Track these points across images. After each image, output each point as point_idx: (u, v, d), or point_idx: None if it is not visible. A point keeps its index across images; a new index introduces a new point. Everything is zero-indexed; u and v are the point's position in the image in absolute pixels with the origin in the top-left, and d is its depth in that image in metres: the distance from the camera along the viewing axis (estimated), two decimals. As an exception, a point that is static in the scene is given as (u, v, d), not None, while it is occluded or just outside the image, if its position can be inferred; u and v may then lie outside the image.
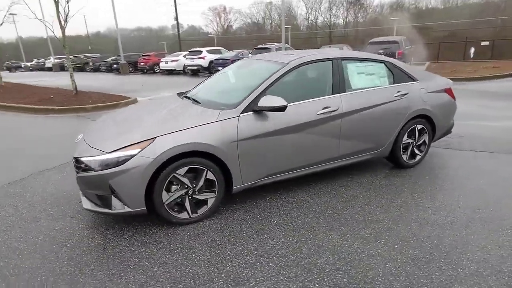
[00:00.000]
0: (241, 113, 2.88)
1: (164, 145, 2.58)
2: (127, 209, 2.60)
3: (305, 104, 3.14)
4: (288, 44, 24.62)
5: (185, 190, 2.75)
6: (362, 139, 3.50)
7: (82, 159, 2.64)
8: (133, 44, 64.58)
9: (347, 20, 58.08)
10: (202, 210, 2.88)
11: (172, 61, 19.91)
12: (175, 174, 2.66)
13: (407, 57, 14.21)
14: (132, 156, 2.53)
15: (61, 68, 29.02)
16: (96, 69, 25.92)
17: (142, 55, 23.03)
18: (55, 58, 30.24)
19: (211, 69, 17.57)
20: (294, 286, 2.08)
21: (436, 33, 32.44)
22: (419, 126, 3.85)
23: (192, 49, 19.75)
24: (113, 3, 20.88)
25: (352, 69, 3.49)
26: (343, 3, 55.49)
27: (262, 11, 62.94)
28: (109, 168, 2.52)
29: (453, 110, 4.19)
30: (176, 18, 36.10)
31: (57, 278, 2.20)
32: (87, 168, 2.60)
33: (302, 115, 3.10)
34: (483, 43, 18.72)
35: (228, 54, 18.46)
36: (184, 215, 2.81)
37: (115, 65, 23.44)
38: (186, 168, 2.69)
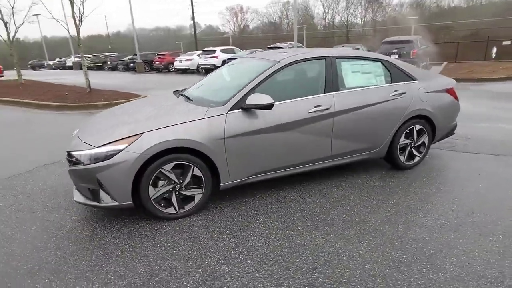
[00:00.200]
0: (229, 110, 2.90)
1: (150, 141, 2.63)
2: (114, 203, 2.67)
3: (296, 102, 3.12)
4: (301, 43, 24.46)
5: (171, 186, 2.80)
6: (356, 139, 3.45)
7: (73, 153, 2.72)
8: (152, 44, 65.88)
9: (365, 19, 57.21)
10: (189, 206, 2.92)
11: (186, 60, 20.17)
12: (161, 170, 2.70)
13: (423, 57, 13.83)
14: (119, 151, 2.59)
15: (81, 66, 29.85)
16: (114, 68, 26.57)
17: (157, 54, 23.44)
18: (75, 57, 31.18)
19: (223, 68, 17.65)
20: (268, 284, 2.09)
21: (457, 33, 31.41)
22: (418, 127, 3.76)
23: (206, 49, 19.94)
24: (131, 4, 21.36)
25: (346, 67, 3.45)
26: (362, 2, 54.67)
27: (279, 11, 62.77)
28: (97, 162, 2.59)
29: (455, 111, 4.07)
30: (193, 18, 36.57)
31: (42, 266, 2.28)
32: (77, 162, 2.69)
33: (292, 113, 3.08)
34: (504, 43, 17.97)
35: (241, 54, 18.53)
36: (171, 210, 2.85)
37: (131, 64, 23.97)
38: (172, 164, 2.73)
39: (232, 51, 19.84)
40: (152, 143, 2.62)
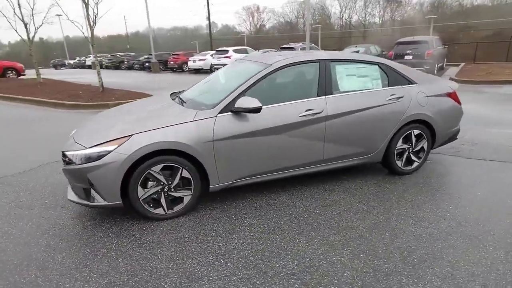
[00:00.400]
0: (218, 113, 2.92)
1: (139, 142, 2.69)
2: (104, 202, 2.74)
3: (287, 106, 3.12)
4: (313, 43, 24.25)
5: (160, 187, 2.84)
6: (349, 144, 3.40)
7: (66, 153, 2.81)
8: (169, 44, 66.87)
9: (383, 18, 56.09)
10: (178, 207, 2.96)
11: (199, 60, 20.37)
12: (150, 171, 2.76)
13: (438, 58, 13.46)
14: (109, 152, 2.66)
15: (99, 66, 30.68)
16: (130, 67, 27.15)
17: (172, 54, 23.78)
18: (94, 57, 32.05)
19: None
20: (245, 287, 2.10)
21: (478, 33, 30.31)
22: (416, 132, 3.67)
23: (219, 49, 20.09)
24: (147, 5, 21.75)
25: (341, 71, 3.41)
26: (380, 1, 53.62)
27: (296, 10, 62.39)
28: (88, 163, 2.67)
29: (457, 116, 3.95)
30: (208, 18, 36.83)
31: (30, 262, 2.38)
32: (70, 162, 2.78)
33: (283, 117, 3.08)
34: (527, 43, 17.22)
35: (253, 54, 18.57)
36: (159, 211, 2.90)
37: (147, 64, 24.42)
38: (161, 166, 2.78)
39: (245, 51, 19.90)
40: (140, 145, 2.68)
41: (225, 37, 58.75)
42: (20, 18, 12.12)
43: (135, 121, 2.95)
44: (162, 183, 2.83)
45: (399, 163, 3.71)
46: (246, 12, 67.45)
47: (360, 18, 55.66)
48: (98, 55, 31.96)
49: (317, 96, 3.25)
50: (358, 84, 3.47)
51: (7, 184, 3.78)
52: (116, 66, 28.94)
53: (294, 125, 3.11)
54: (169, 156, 2.79)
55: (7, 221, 2.97)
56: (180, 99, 3.49)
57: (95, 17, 9.82)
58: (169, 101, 3.44)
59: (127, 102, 8.75)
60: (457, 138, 4.13)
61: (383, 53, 16.41)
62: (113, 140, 2.71)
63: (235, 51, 19.19)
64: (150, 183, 2.82)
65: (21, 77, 17.70)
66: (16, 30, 12.52)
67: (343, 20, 57.56)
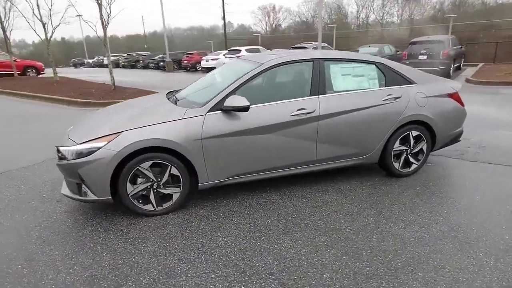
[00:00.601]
0: (207, 112, 2.93)
1: (127, 139, 2.73)
2: (94, 197, 2.80)
3: (278, 105, 3.09)
4: (328, 43, 23.96)
5: (149, 184, 2.88)
6: (343, 144, 3.35)
7: (60, 148, 2.89)
8: (186, 43, 67.65)
9: (401, 18, 54.88)
10: (167, 204, 2.99)
11: (212, 59, 20.51)
12: (139, 168, 2.80)
13: (455, 58, 13.04)
14: (99, 148, 2.71)
15: (116, 65, 31.40)
16: (146, 66, 27.64)
17: (186, 54, 24.05)
18: (112, 56, 32.80)
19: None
20: (220, 286, 2.10)
21: (501, 32, 29.14)
22: (415, 133, 3.57)
23: (231, 48, 20.17)
24: (162, 5, 22.10)
25: (335, 70, 3.36)
26: (398, 0, 52.47)
27: (312, 10, 61.87)
28: (79, 158, 2.74)
29: (460, 117, 3.82)
30: (223, 18, 37.03)
31: (19, 253, 2.46)
32: (63, 157, 2.85)
33: (273, 116, 3.06)
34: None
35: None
36: (149, 207, 2.94)
37: (161, 63, 24.81)
38: (150, 163, 2.81)
39: (258, 51, 19.88)
40: (129, 142, 2.72)
41: (239, 36, 58.94)
42: (38, 19, 12.55)
43: (127, 119, 3.00)
44: (151, 180, 2.87)
45: (396, 165, 3.62)
46: (262, 12, 67.30)
47: (378, 18, 54.69)
48: (115, 54, 32.70)
49: (310, 95, 3.21)
50: (354, 84, 3.41)
51: (10, 178, 3.92)
52: (132, 65, 29.54)
53: (285, 125, 3.09)
54: (158, 153, 2.82)
55: (4, 213, 3.07)
56: (175, 97, 3.53)
57: (108, 17, 10.04)
58: (163, 99, 3.48)
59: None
60: (460, 140, 4.00)
61: (398, 53, 16.04)
62: (103, 136, 2.76)
63: (247, 50, 19.20)
64: (139, 180, 2.86)
65: (41, 75, 18.32)
66: (34, 30, 12.96)
67: (360, 20, 56.71)
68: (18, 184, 3.74)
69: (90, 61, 40.35)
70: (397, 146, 3.56)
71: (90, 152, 2.72)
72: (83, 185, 2.82)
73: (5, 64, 16.92)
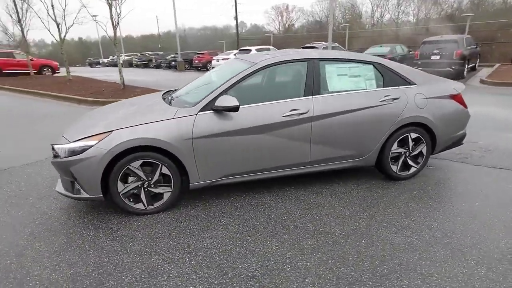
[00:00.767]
0: (199, 111, 2.93)
1: (118, 138, 2.75)
2: (85, 195, 2.84)
3: (270, 105, 3.06)
4: (340, 43, 23.69)
5: (140, 182, 2.90)
6: (338, 146, 3.29)
7: (54, 146, 2.94)
8: (200, 43, 68.11)
9: (418, 17, 53.75)
10: (158, 203, 3.00)
11: (222, 59, 20.56)
12: (129, 166, 2.82)
13: (469, 58, 12.67)
14: (90, 146, 2.75)
15: (130, 64, 31.93)
16: (158, 66, 27.97)
17: (197, 54, 24.22)
18: (126, 55, 33.35)
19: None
20: (200, 287, 2.09)
21: (522, 31, 28.08)
22: (414, 135, 3.48)
23: (242, 48, 20.19)
24: (174, 6, 22.31)
25: (331, 70, 3.30)
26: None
27: (325, 9, 61.28)
28: (71, 156, 2.78)
29: (462, 119, 3.70)
30: (236, 17, 37.08)
31: (10, 249, 2.51)
32: (56, 155, 2.90)
33: (266, 116, 3.03)
34: None
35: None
36: (139, 206, 2.96)
37: (173, 62, 25.05)
38: (140, 162, 2.83)
39: (268, 50, 19.84)
40: (119, 141, 2.74)
41: (252, 36, 58.96)
42: (53, 19, 12.86)
43: (120, 118, 3.02)
44: (142, 179, 2.89)
45: (394, 167, 3.53)
46: (275, 12, 67.12)
47: (393, 17, 53.71)
48: (129, 54, 33.21)
49: (304, 96, 3.17)
50: (350, 85, 3.34)
51: (13, 174, 4.02)
52: (145, 64, 29.96)
53: (277, 125, 3.05)
54: (148, 152, 2.83)
55: (2, 209, 3.15)
56: (171, 97, 3.54)
57: (118, 18, 10.20)
58: (158, 99, 3.50)
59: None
60: (463, 143, 3.87)
61: (410, 53, 15.72)
62: (94, 135, 2.80)
63: (257, 50, 19.18)
64: (130, 178, 2.89)
65: (56, 74, 18.80)
66: (49, 30, 13.30)
67: (375, 19, 55.83)
68: (19, 180, 3.84)
69: (105, 60, 41.12)
70: (395, 148, 3.47)
71: (82, 150, 2.75)
72: (75, 183, 2.86)
73: (22, 64, 17.43)
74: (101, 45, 43.39)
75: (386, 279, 2.11)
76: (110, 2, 9.98)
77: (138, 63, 30.89)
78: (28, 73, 16.64)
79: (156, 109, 3.11)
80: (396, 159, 3.54)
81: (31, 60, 17.72)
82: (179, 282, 2.13)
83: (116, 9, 10.06)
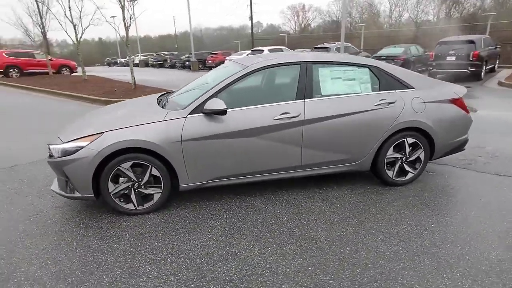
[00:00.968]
0: (188, 114, 2.95)
1: (109, 140, 2.81)
2: (77, 194, 2.92)
3: (260, 108, 3.05)
4: (356, 43, 23.34)
5: (130, 183, 2.95)
6: (330, 149, 3.24)
7: (49, 146, 3.03)
8: (215, 43, 68.66)
9: (438, 16, 52.28)
10: (148, 204, 3.05)
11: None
12: (119, 167, 2.87)
13: (487, 59, 12.22)
14: (82, 147, 2.82)
15: (146, 64, 32.52)
16: (173, 66, 28.37)
17: (210, 54, 24.41)
18: (142, 55, 33.99)
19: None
20: (177, 289, 2.11)
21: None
22: (411, 140, 3.39)
23: (254, 48, 20.20)
24: (189, 7, 22.56)
25: (325, 74, 3.26)
26: (435, -2, 49.97)
27: (347, 9, 60.42)
28: (64, 156, 2.86)
29: (463, 124, 3.57)
30: (251, 17, 37.13)
31: (1, 245, 2.60)
32: (51, 155, 2.99)
33: (256, 119, 3.02)
34: None
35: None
36: (130, 206, 3.01)
37: (187, 62, 25.35)
38: (130, 163, 2.88)
39: (280, 51, 19.77)
40: (110, 142, 2.80)
41: (267, 36, 58.92)
42: (70, 20, 13.25)
43: (113, 119, 3.09)
44: (132, 179, 2.94)
45: (390, 173, 3.45)
46: (291, 12, 66.80)
47: (412, 16, 52.45)
48: (145, 54, 33.82)
49: (296, 99, 3.14)
50: (344, 88, 3.29)
51: (17, 172, 4.17)
52: (160, 64, 30.47)
53: (268, 129, 3.04)
54: (138, 154, 2.88)
55: (1, 206, 3.27)
56: (166, 99, 3.58)
57: (130, 19, 10.41)
58: (152, 101, 3.55)
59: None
60: (464, 149, 3.74)
61: (426, 53, 15.30)
62: (86, 136, 2.86)
63: (270, 50, 19.14)
64: (121, 179, 2.94)
65: (73, 73, 19.36)
66: (66, 31, 13.71)
67: (393, 19, 54.68)
68: (22, 178, 3.97)
69: (122, 60, 42.03)
70: (390, 153, 3.40)
71: (74, 151, 2.82)
72: (68, 182, 2.94)
73: (42, 63, 18.05)
74: (118, 45, 44.40)
75: (365, 289, 2.07)
76: (122, 4, 10.19)
77: (154, 63, 31.45)
78: (47, 73, 17.21)
79: (148, 112, 3.16)
80: (392, 164, 3.46)
81: (50, 60, 18.33)
82: (157, 283, 2.16)
83: (128, 11, 10.27)
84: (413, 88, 3.41)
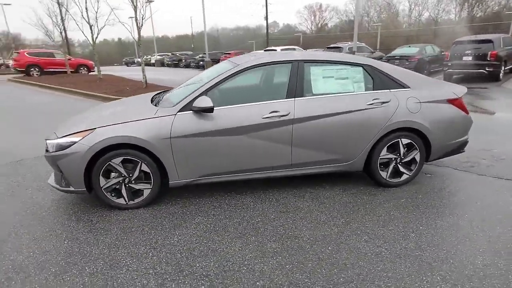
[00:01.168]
0: (178, 111, 3.00)
1: (100, 135, 2.89)
2: (71, 188, 3.01)
3: (250, 106, 3.06)
4: (372, 43, 22.97)
5: (121, 178, 3.02)
6: (321, 149, 3.21)
7: (46, 141, 3.15)
8: (232, 43, 69.09)
9: (460, 15, 50.65)
10: (138, 199, 3.11)
11: (248, 59, 20.70)
12: (110, 163, 2.94)
13: (506, 59, 11.75)
14: (74, 142, 2.91)
15: (162, 64, 33.08)
16: (187, 65, 28.76)
17: (224, 53, 24.57)
18: (158, 55, 34.59)
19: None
20: (153, 282, 2.14)
21: None
22: (406, 141, 3.32)
23: (267, 48, 20.19)
24: (204, 9, 22.80)
25: (316, 72, 3.23)
26: (457, -4, 48.46)
27: (361, 8, 59.51)
28: (58, 151, 2.96)
29: (461, 125, 3.47)
30: (266, 17, 37.21)
31: (-4, 234, 2.73)
32: (47, 149, 3.10)
33: (245, 117, 3.03)
34: None
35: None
36: (121, 200, 3.08)
37: (201, 62, 25.62)
38: (120, 158, 2.95)
39: (293, 50, 19.69)
40: (101, 138, 2.88)
41: (283, 36, 58.74)
42: (86, 21, 13.64)
43: (106, 116, 3.17)
44: (123, 175, 3.01)
45: (383, 174, 3.39)
46: (308, 11, 66.38)
47: (432, 15, 51.06)
48: (161, 54, 34.41)
49: (286, 98, 3.13)
50: (336, 87, 3.26)
51: (23, 166, 4.35)
52: (176, 64, 30.96)
53: (257, 127, 3.04)
54: (128, 150, 2.95)
55: (2, 198, 3.42)
56: (162, 97, 3.65)
57: (142, 19, 10.62)
58: (146, 99, 3.62)
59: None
60: (464, 151, 3.63)
61: (442, 53, 14.88)
62: (79, 132, 2.95)
63: (282, 50, 19.10)
64: (112, 174, 3.02)
65: (91, 73, 19.93)
66: (82, 32, 14.17)
67: (412, 18, 53.42)
68: (26, 172, 4.14)
69: (140, 60, 42.99)
70: (384, 154, 3.33)
71: (68, 146, 2.92)
72: (63, 176, 3.04)
73: (61, 63, 18.71)
74: (136, 46, 45.37)
75: (339, 289, 2.05)
76: (135, 5, 10.41)
77: (169, 62, 31.98)
78: (65, 72, 17.79)
79: (140, 109, 3.23)
80: (386, 165, 3.40)
81: (69, 59, 18.95)
82: (135, 276, 2.20)
83: (140, 11, 10.48)
84: (409, 87, 3.34)
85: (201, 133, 2.99)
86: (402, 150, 3.35)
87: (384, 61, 14.29)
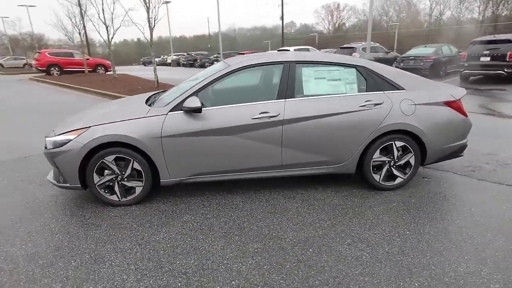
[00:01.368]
0: (169, 111, 3.06)
1: (94, 134, 2.99)
2: (67, 184, 3.13)
3: (239, 107, 3.09)
4: (388, 43, 22.48)
5: (114, 176, 3.11)
6: (312, 150, 3.20)
7: (45, 138, 3.28)
8: (248, 43, 69.22)
9: (484, 14, 48.87)
10: (131, 196, 3.19)
11: (261, 59, 20.72)
12: (103, 160, 3.04)
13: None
14: (70, 140, 3.02)
15: (177, 63, 33.57)
16: (202, 65, 29.03)
17: (238, 53, 24.65)
18: (174, 55, 35.13)
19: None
20: (132, 277, 2.20)
21: None
22: (399, 144, 3.26)
23: (281, 48, 20.15)
24: (218, 10, 22.97)
25: (308, 73, 3.22)
26: (481, -6, 46.75)
27: (380, 7, 58.45)
28: (55, 148, 3.08)
29: (459, 128, 3.37)
30: (282, 17, 37.11)
31: (-6, 227, 2.87)
32: (46, 146, 3.23)
33: (234, 118, 3.06)
34: None
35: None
36: (114, 197, 3.18)
37: (215, 62, 25.84)
38: (113, 156, 3.04)
39: (307, 50, 19.57)
40: (94, 136, 2.97)
41: (299, 36, 58.40)
42: (103, 22, 14.04)
43: (102, 115, 3.27)
44: (115, 172, 3.10)
45: (376, 177, 3.34)
46: (326, 11, 65.72)
47: (455, 14, 49.49)
48: (177, 54, 34.91)
49: (277, 99, 3.14)
50: (328, 89, 3.24)
51: (29, 162, 4.53)
52: (191, 64, 31.34)
53: (246, 127, 3.07)
54: (121, 148, 3.03)
55: (5, 192, 3.58)
56: (158, 97, 3.72)
57: (154, 20, 10.83)
58: (141, 99, 3.70)
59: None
60: (462, 155, 3.53)
61: (460, 54, 14.41)
62: (75, 130, 3.06)
63: (296, 50, 19.01)
64: (106, 171, 3.11)
65: (108, 72, 20.47)
66: (99, 32, 14.60)
67: (433, 17, 51.95)
68: (31, 167, 4.31)
69: (157, 59, 43.75)
70: (377, 156, 3.29)
71: (63, 143, 3.03)
72: (60, 173, 3.16)
73: (79, 62, 19.31)
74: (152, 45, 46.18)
75: (313, 291, 2.04)
76: (148, 6, 10.63)
77: (185, 62, 32.42)
78: (83, 71, 18.35)
79: (133, 108, 3.31)
80: (379, 168, 3.35)
81: (87, 59, 19.54)
82: (116, 271, 2.27)
83: (152, 12, 10.69)
84: (404, 89, 3.28)
85: (191, 132, 3.04)
86: (396, 153, 3.30)
87: (398, 62, 13.99)
